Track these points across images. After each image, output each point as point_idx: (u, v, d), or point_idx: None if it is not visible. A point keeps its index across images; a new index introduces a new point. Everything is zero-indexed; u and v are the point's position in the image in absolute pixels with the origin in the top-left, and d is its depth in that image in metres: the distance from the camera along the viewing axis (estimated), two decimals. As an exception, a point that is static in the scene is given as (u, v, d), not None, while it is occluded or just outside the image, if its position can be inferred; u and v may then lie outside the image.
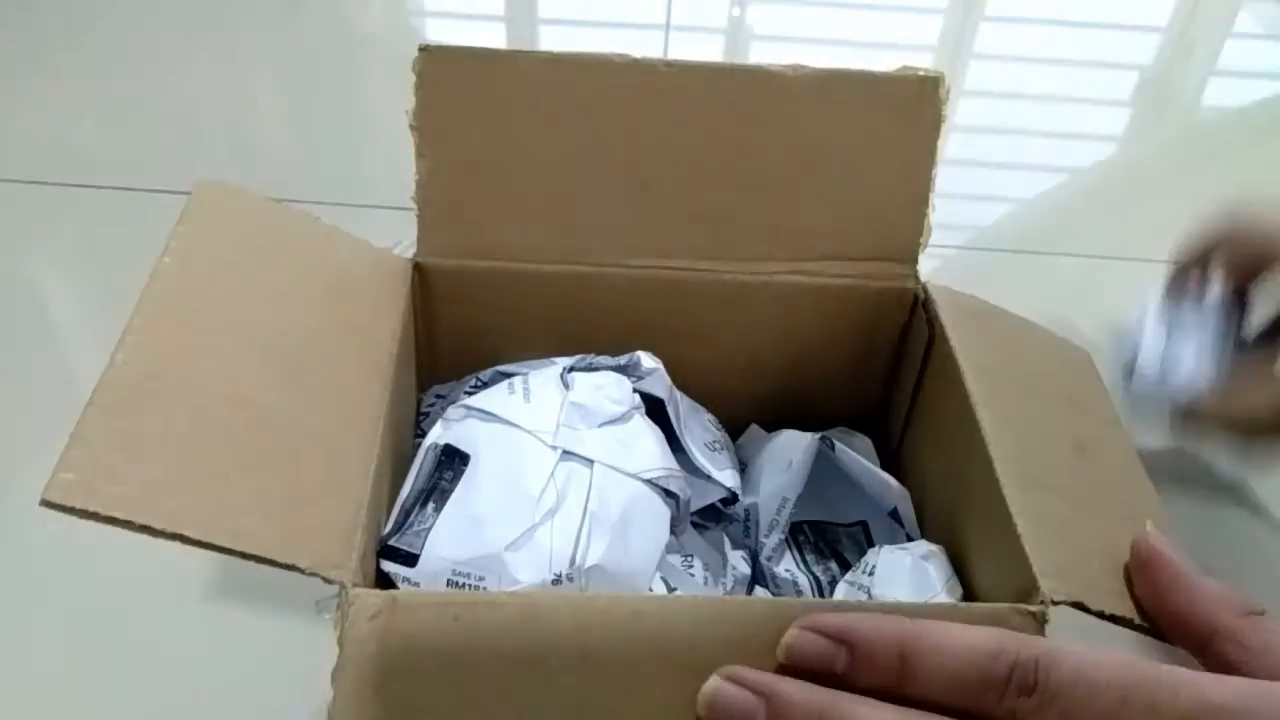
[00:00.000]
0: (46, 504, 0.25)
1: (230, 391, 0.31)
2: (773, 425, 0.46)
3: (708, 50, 1.03)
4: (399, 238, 0.42)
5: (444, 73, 0.40)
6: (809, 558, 0.43)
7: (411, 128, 0.40)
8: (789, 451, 0.43)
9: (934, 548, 0.38)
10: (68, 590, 0.52)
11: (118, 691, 0.48)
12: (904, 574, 0.37)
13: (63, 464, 0.26)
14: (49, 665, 0.49)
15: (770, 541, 0.42)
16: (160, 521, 0.26)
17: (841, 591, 0.39)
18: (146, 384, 0.30)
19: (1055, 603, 0.29)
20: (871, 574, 0.38)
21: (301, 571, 0.27)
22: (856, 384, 0.47)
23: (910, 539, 0.41)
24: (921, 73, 0.41)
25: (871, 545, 0.42)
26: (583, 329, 0.43)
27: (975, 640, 0.26)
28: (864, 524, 0.43)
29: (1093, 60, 1.07)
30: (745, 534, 0.43)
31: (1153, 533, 0.31)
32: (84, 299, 0.72)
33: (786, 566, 0.42)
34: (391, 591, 0.28)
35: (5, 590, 0.52)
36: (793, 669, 0.27)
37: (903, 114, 0.41)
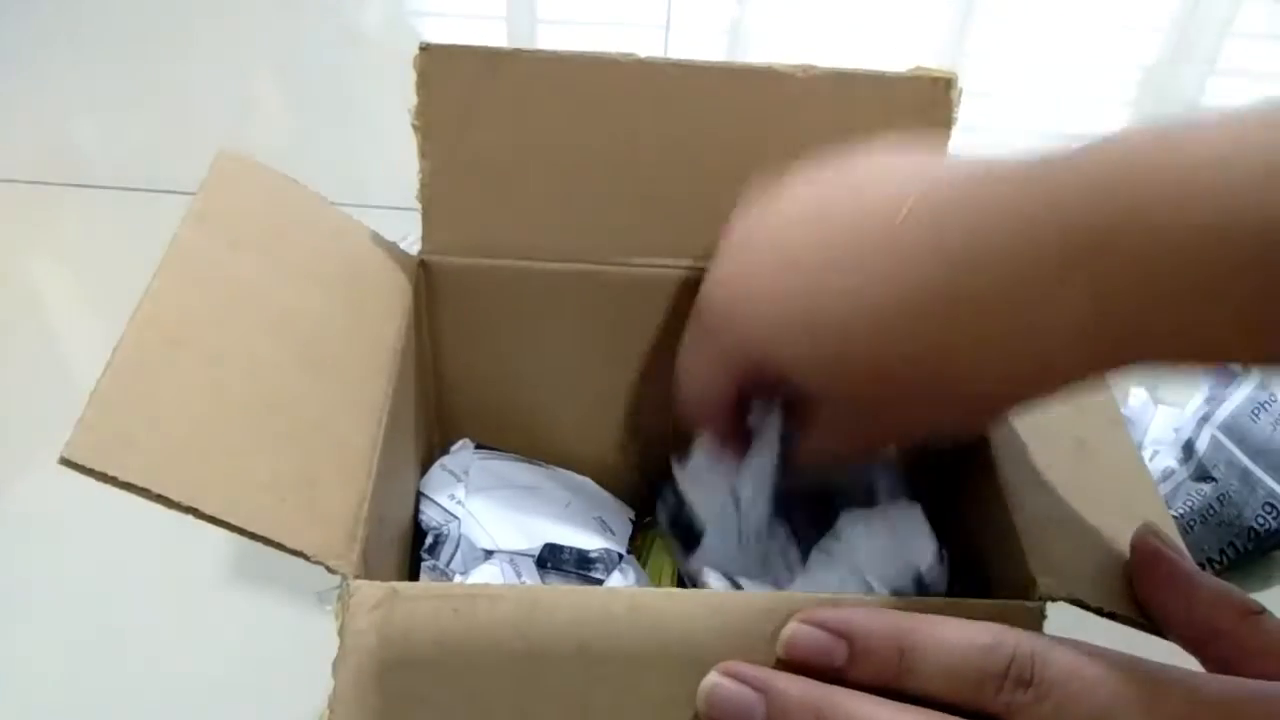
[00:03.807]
0: (66, 463, 0.25)
1: (245, 366, 0.31)
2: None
3: (708, 50, 1.03)
4: (404, 233, 0.42)
5: (445, 71, 0.39)
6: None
7: (413, 126, 0.40)
8: None
9: (908, 509, 0.37)
10: (69, 581, 0.52)
11: (121, 680, 0.49)
12: (876, 537, 0.36)
13: (82, 425, 0.26)
14: (52, 653, 0.49)
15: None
16: (176, 493, 0.26)
17: (814, 560, 0.38)
18: (165, 349, 0.29)
19: (1054, 599, 0.29)
20: (840, 539, 0.37)
21: (308, 559, 0.27)
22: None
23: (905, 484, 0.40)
24: (934, 74, 0.40)
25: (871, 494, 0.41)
26: (586, 327, 0.43)
27: (973, 635, 0.26)
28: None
29: (1093, 60, 1.08)
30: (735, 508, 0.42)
31: (1153, 531, 0.31)
32: (84, 299, 0.72)
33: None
34: (391, 584, 0.28)
35: (6, 584, 0.52)
36: (791, 663, 0.27)
37: (914, 115, 0.41)
